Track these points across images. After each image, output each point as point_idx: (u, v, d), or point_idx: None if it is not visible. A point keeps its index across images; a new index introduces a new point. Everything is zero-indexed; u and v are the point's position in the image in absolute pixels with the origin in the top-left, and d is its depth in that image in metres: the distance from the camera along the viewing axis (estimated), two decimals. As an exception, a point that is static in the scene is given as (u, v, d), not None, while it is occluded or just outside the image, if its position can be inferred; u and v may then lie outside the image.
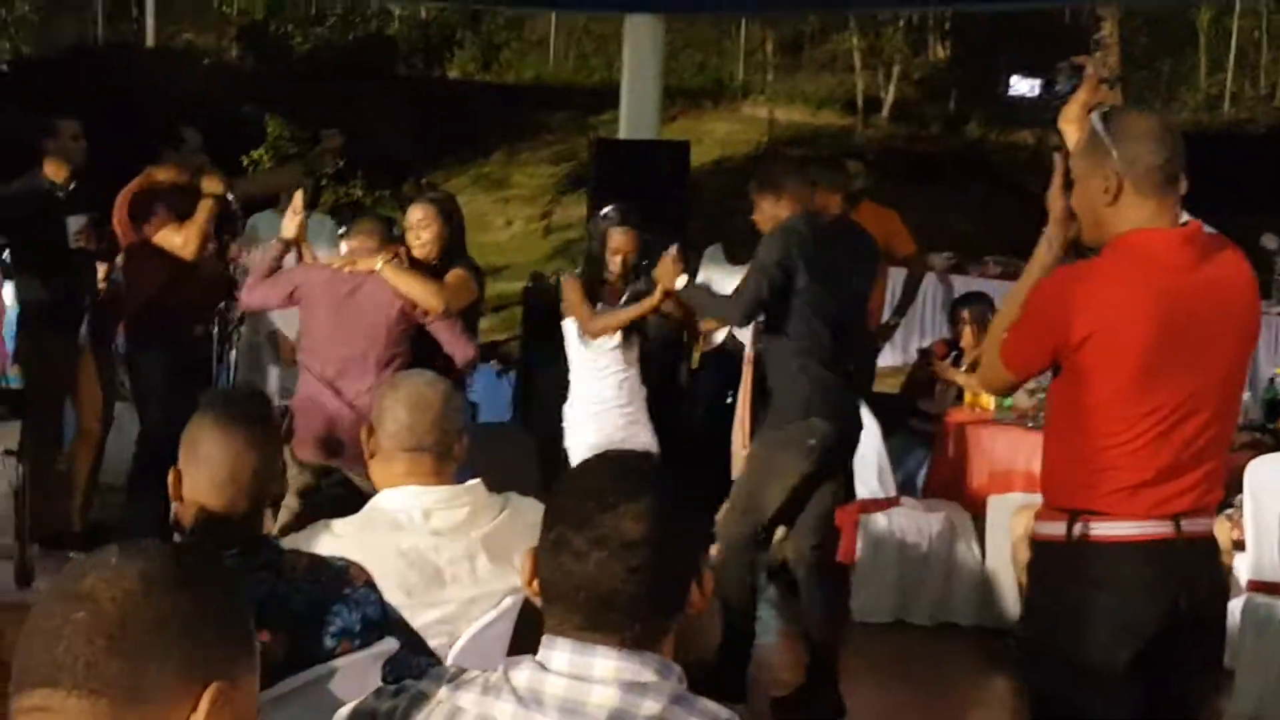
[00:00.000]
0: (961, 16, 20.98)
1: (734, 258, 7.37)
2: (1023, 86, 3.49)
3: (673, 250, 5.74)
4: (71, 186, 6.67)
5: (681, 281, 5.70)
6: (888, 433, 6.73)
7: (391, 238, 5.79)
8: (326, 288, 5.49)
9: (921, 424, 7.44)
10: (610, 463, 2.02)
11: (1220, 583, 3.35)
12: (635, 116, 9.98)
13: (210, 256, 6.56)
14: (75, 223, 6.57)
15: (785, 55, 24.74)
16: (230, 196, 6.55)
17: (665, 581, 1.90)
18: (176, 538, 2.74)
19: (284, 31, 20.25)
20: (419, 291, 5.45)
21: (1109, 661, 3.07)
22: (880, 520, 6.51)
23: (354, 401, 5.32)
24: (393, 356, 5.43)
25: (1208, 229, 3.15)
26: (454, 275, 5.65)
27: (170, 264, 6.40)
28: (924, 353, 7.88)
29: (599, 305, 6.04)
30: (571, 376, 6.13)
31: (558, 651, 1.88)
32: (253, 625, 1.56)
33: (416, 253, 5.68)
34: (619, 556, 1.86)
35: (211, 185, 6.46)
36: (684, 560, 1.94)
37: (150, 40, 26.49)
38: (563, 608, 1.89)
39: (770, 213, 5.50)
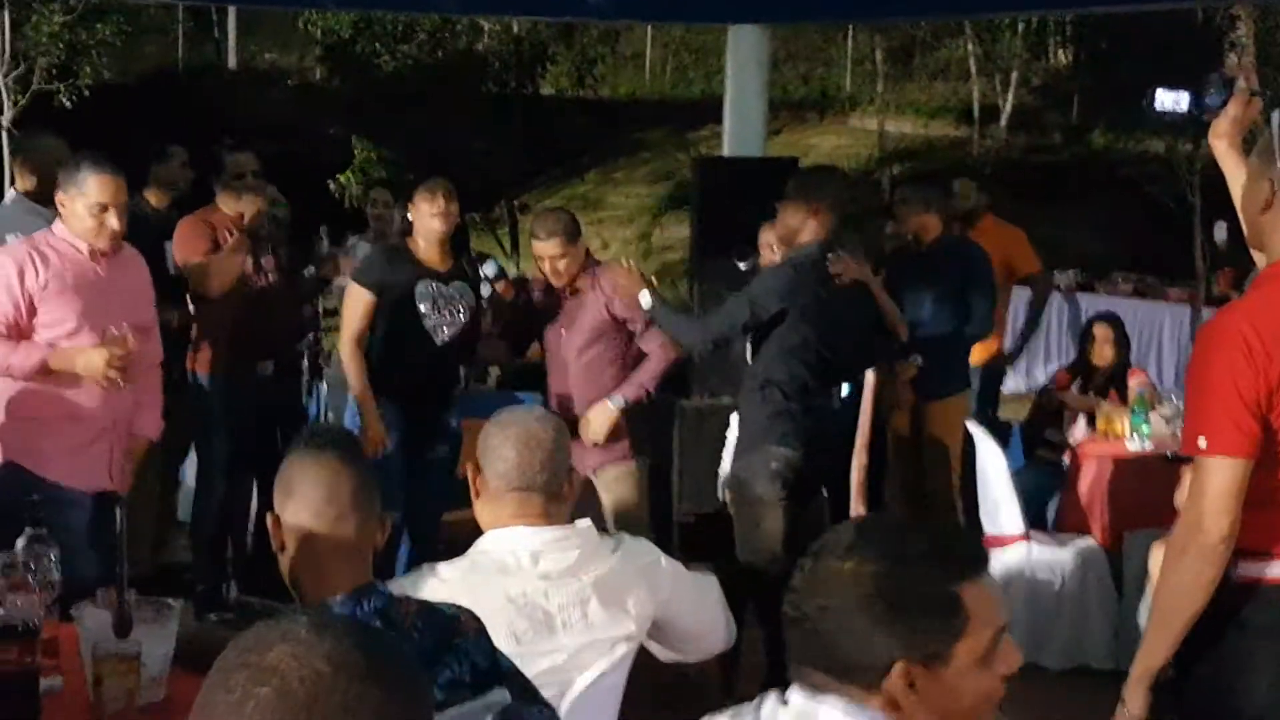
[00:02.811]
0: (1084, 19, 20.74)
1: None
2: (1169, 100, 3.36)
3: (628, 262, 5.85)
4: (171, 213, 6.79)
5: (646, 299, 5.75)
6: (1015, 464, 6.67)
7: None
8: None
9: (1051, 454, 7.36)
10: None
11: None
12: (739, 131, 9.95)
13: (274, 286, 6.49)
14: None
15: (895, 63, 24.62)
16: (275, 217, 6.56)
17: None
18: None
19: (370, 50, 20.45)
20: None
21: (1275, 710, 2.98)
22: (1008, 557, 6.43)
23: None
24: None
25: None
26: None
27: (228, 295, 6.38)
28: (1046, 389, 7.80)
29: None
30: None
31: (795, 695, 1.98)
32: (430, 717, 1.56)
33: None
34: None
35: (255, 203, 6.44)
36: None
37: (233, 62, 26.98)
38: (796, 655, 2.02)
39: (793, 226, 5.54)
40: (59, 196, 5.10)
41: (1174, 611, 3.00)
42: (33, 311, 5.00)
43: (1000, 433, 6.84)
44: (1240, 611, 3.00)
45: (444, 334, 6.12)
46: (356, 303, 6.08)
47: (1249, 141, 3.22)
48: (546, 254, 5.95)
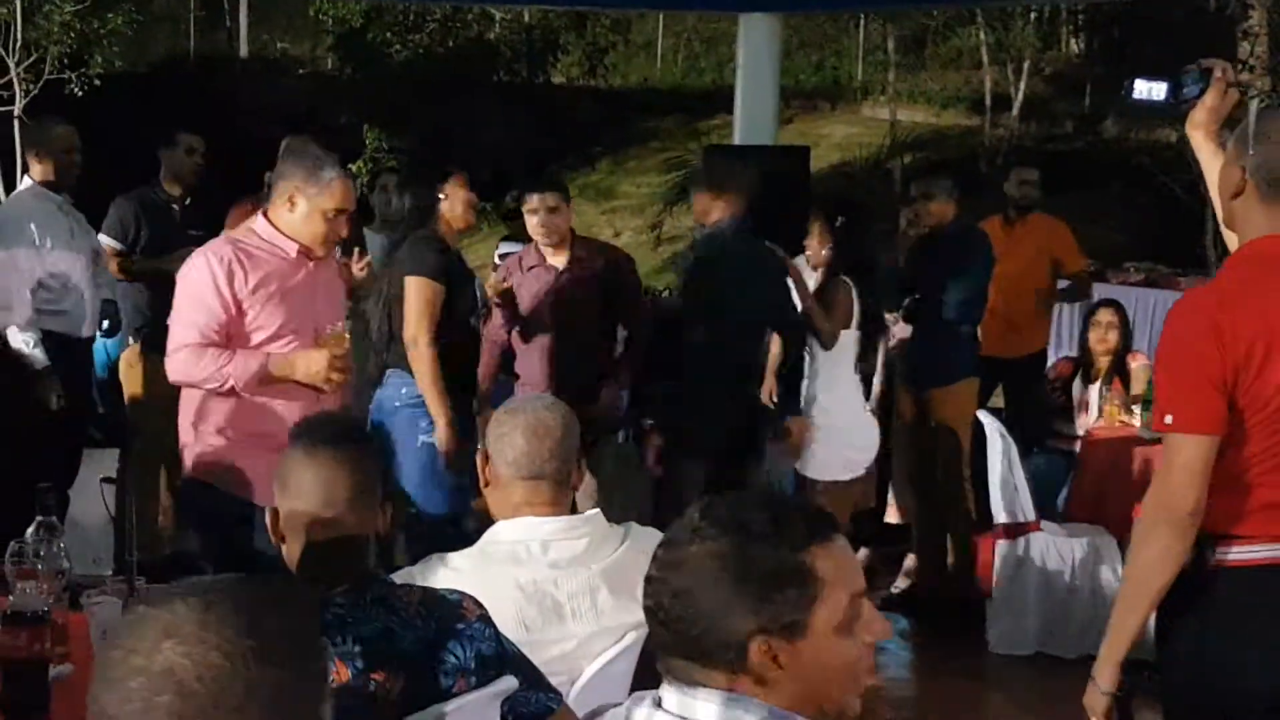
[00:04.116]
0: (1096, 7, 20.68)
1: None
2: (1146, 90, 3.44)
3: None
4: (188, 202, 6.79)
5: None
6: (1025, 452, 6.65)
7: None
8: None
9: (1061, 443, 7.34)
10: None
11: None
12: (750, 121, 9.94)
13: None
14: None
15: (907, 52, 24.57)
16: None
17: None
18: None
19: (381, 39, 20.46)
20: None
21: (1258, 697, 3.02)
22: (1019, 546, 6.43)
23: None
24: None
25: None
26: None
27: None
28: (1047, 381, 7.78)
29: None
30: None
31: (668, 692, 1.95)
32: (326, 685, 1.54)
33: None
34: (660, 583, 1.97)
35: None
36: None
37: (244, 51, 26.98)
38: (660, 646, 1.97)
39: (702, 208, 5.91)
40: (290, 192, 4.63)
41: (1143, 585, 3.05)
42: (241, 316, 4.60)
43: (1011, 422, 6.82)
44: (1218, 592, 3.05)
45: (474, 322, 6.11)
46: (426, 296, 5.70)
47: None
48: (544, 205, 6.16)
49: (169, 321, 4.74)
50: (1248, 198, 3.08)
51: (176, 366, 4.63)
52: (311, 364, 4.63)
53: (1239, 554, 3.03)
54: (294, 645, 1.48)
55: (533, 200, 6.24)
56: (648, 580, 2.01)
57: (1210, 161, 3.38)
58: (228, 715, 1.42)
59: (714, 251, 5.87)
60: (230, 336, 4.58)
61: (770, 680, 1.93)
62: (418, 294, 5.64)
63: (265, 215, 4.70)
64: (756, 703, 1.92)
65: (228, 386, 4.56)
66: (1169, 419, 2.99)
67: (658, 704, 1.97)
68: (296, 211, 4.64)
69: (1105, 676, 3.11)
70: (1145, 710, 3.17)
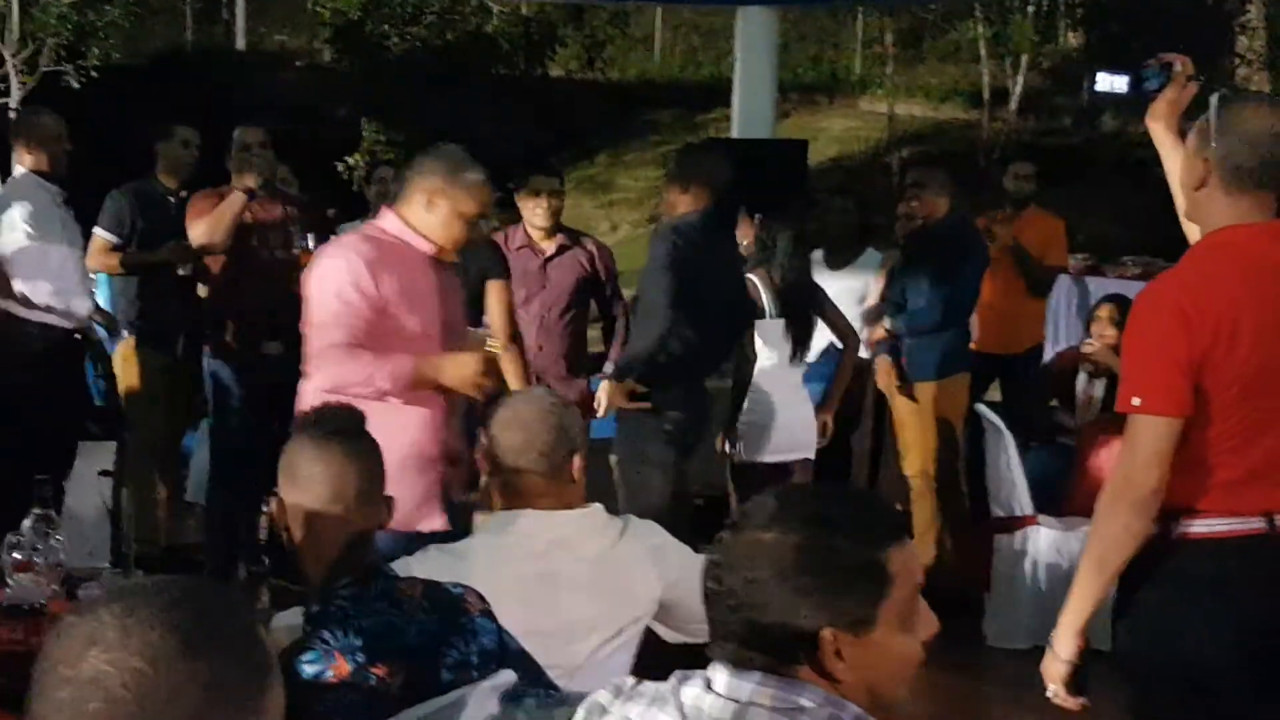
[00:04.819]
0: (1095, 1, 20.69)
1: (832, 263, 7.34)
2: (1109, 83, 3.57)
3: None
4: (183, 195, 6.79)
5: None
6: (1023, 446, 6.65)
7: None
8: None
9: (1060, 436, 7.33)
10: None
11: None
12: (748, 114, 9.94)
13: (281, 265, 6.42)
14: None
15: (905, 46, 24.55)
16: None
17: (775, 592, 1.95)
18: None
19: (379, 32, 20.43)
20: None
21: (1217, 664, 3.11)
22: (1016, 540, 6.43)
23: None
24: None
25: None
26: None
27: (228, 269, 6.40)
28: (1047, 370, 7.77)
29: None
30: None
31: (721, 674, 1.96)
32: (272, 672, 1.53)
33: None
34: (737, 569, 1.96)
35: (242, 180, 6.34)
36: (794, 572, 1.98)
37: (241, 43, 26.95)
38: (719, 630, 1.98)
39: (671, 201, 5.94)
40: (430, 193, 4.43)
41: (1104, 560, 3.15)
42: (384, 318, 4.35)
43: (1009, 414, 6.82)
44: (1177, 565, 3.15)
45: None
46: (508, 299, 5.85)
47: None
48: (546, 188, 6.32)
49: (307, 323, 4.44)
50: (1211, 189, 3.17)
51: (326, 370, 4.35)
52: (463, 368, 4.38)
53: (1200, 528, 3.14)
54: (221, 638, 1.48)
55: (538, 182, 6.35)
56: (714, 564, 2.00)
57: (1170, 153, 3.47)
58: (157, 716, 1.43)
59: (693, 240, 5.89)
60: (373, 338, 4.33)
61: (833, 671, 1.95)
62: (503, 296, 5.84)
63: (396, 212, 4.48)
64: (812, 687, 1.94)
65: (380, 391, 4.26)
66: (1136, 401, 3.09)
67: (708, 686, 1.97)
68: (436, 213, 4.42)
69: (1064, 645, 3.22)
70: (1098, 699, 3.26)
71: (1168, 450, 3.06)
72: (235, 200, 6.27)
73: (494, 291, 5.77)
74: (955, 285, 6.83)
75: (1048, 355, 8.27)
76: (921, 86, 23.81)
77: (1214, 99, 3.21)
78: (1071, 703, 3.26)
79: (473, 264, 5.62)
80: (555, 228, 6.44)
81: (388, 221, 4.49)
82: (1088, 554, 3.21)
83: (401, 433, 4.14)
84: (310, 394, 4.32)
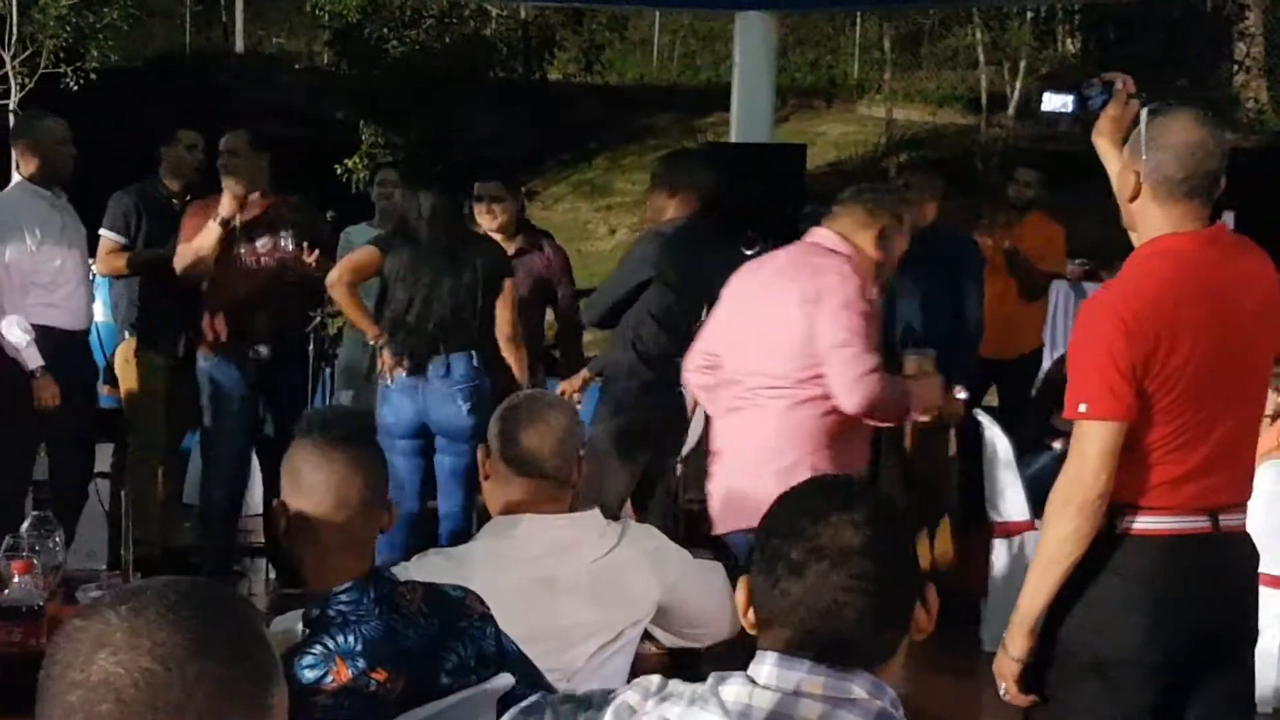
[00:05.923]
0: (1092, 7, 20.71)
1: None
2: (1055, 102, 3.70)
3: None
4: (187, 198, 6.77)
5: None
6: (1021, 450, 6.65)
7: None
8: None
9: (1057, 441, 7.33)
10: (819, 482, 2.13)
11: (1254, 582, 3.45)
12: (746, 118, 9.93)
13: (270, 269, 6.38)
14: None
15: (903, 51, 24.60)
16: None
17: (886, 595, 1.96)
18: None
19: (378, 35, 20.44)
20: None
21: (1144, 660, 3.19)
22: (1013, 545, 6.42)
23: None
24: None
25: (1230, 231, 3.43)
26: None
27: (218, 278, 6.35)
28: (1049, 374, 7.78)
29: None
30: None
31: (766, 666, 1.96)
32: (277, 671, 1.53)
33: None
34: (839, 566, 1.94)
35: (230, 187, 6.26)
36: (904, 573, 2.01)
37: (240, 46, 26.98)
38: (778, 627, 1.97)
39: (658, 206, 5.99)
40: (884, 220, 4.48)
41: (1054, 560, 3.22)
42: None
43: (1005, 419, 6.81)
44: (1115, 559, 3.23)
45: None
46: (513, 298, 6.10)
47: None
48: (487, 194, 6.56)
49: (839, 344, 4.31)
50: (1144, 200, 3.28)
51: (866, 392, 4.27)
52: (933, 395, 4.45)
53: (1143, 523, 3.22)
54: (228, 637, 1.48)
55: (481, 188, 6.63)
56: (792, 563, 1.96)
57: (1114, 166, 3.54)
58: (170, 715, 1.43)
59: (684, 244, 5.92)
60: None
61: (894, 673, 2.00)
62: (511, 296, 6.02)
63: (837, 232, 4.47)
64: (862, 674, 1.95)
65: (896, 418, 4.33)
66: (1083, 408, 3.17)
67: (751, 682, 1.96)
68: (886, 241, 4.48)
69: (1016, 645, 3.30)
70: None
71: (1114, 453, 3.15)
72: (210, 232, 6.21)
73: (505, 291, 6.03)
74: (954, 298, 6.80)
75: (1046, 360, 8.27)
76: (919, 91, 23.86)
77: (1144, 112, 3.31)
78: (1022, 700, 3.34)
79: (488, 264, 5.95)
80: (515, 230, 6.70)
81: (834, 242, 4.53)
82: (1038, 554, 3.29)
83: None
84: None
